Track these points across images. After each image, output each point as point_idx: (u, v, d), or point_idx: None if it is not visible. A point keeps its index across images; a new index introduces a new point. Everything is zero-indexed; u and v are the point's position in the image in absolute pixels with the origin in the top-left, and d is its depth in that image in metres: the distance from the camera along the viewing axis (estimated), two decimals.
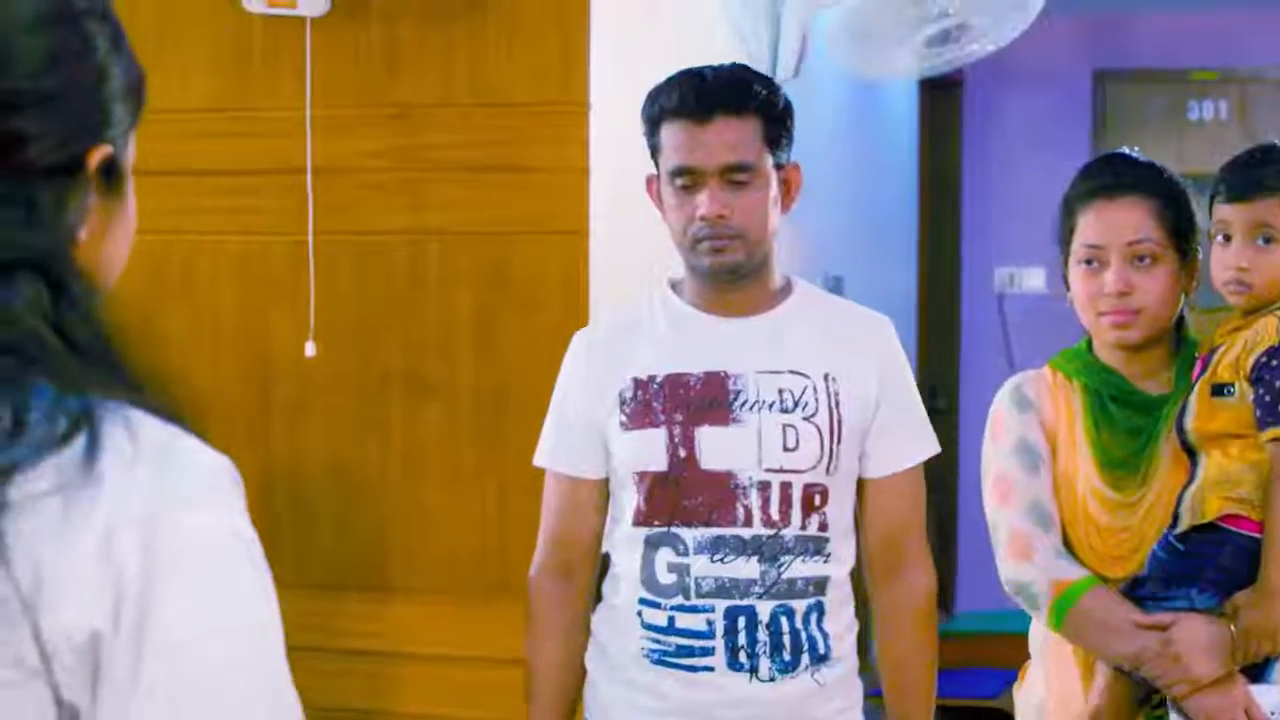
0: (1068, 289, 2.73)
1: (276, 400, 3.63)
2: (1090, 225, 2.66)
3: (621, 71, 3.52)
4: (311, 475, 3.61)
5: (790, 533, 2.63)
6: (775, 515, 2.62)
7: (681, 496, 2.64)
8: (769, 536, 2.62)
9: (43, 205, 1.14)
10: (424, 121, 3.56)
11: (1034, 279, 7.17)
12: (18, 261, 1.11)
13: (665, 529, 2.64)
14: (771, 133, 2.66)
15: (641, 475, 2.66)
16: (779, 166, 2.68)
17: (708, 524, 2.62)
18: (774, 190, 2.67)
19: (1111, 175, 2.70)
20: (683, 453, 2.64)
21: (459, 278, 3.55)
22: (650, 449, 2.65)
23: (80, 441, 1.07)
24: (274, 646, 1.14)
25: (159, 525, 1.08)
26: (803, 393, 2.66)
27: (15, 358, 1.08)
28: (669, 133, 2.65)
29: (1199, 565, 2.52)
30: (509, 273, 3.51)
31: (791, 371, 2.67)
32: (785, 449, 2.63)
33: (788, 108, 2.71)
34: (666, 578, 2.65)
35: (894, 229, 6.72)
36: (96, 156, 1.19)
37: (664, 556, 2.65)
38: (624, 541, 2.71)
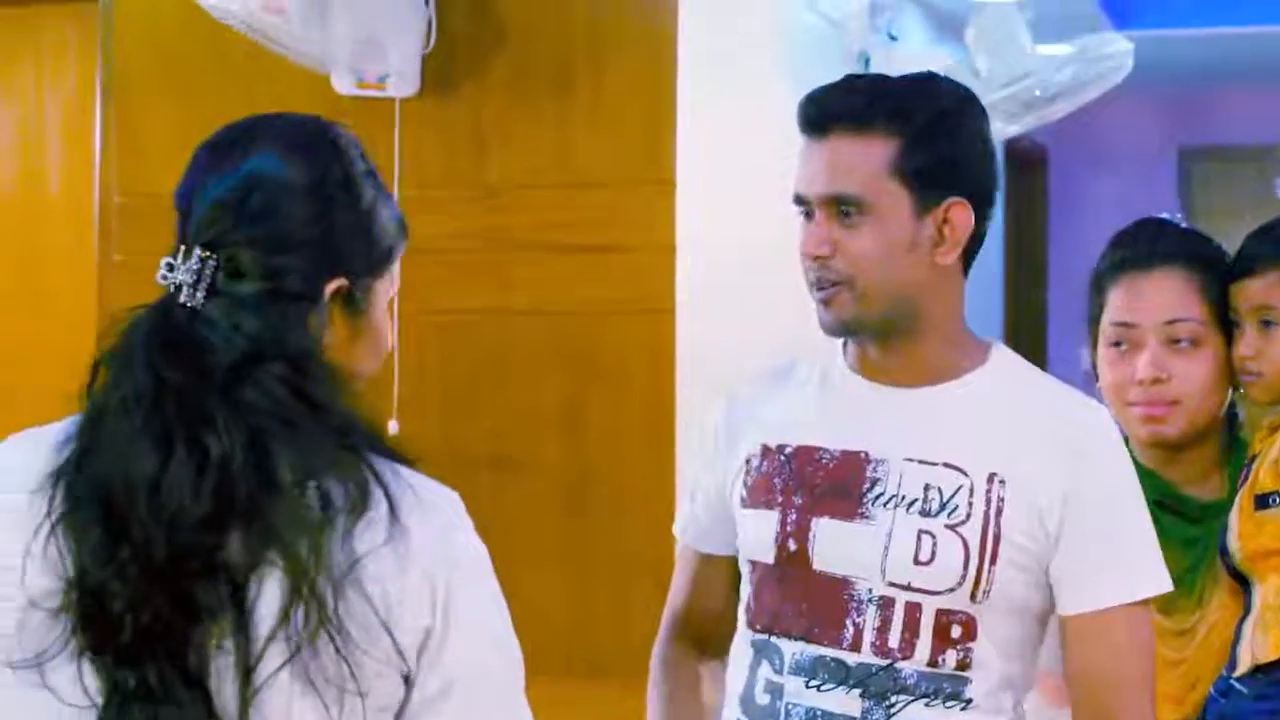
0: (1096, 377, 2.38)
1: None
2: (1121, 301, 2.32)
3: (708, 149, 3.52)
4: None
5: (911, 667, 2.03)
6: (894, 642, 2.04)
7: (784, 599, 2.09)
8: (880, 668, 2.04)
9: (291, 318, 1.54)
10: (511, 201, 3.58)
11: None
12: (272, 355, 1.51)
13: (767, 637, 2.11)
14: (913, 160, 2.03)
15: (754, 565, 2.14)
16: (930, 205, 2.05)
17: (807, 639, 2.07)
18: (909, 232, 2.04)
19: (1146, 244, 2.33)
20: (793, 545, 2.08)
21: (545, 357, 3.55)
22: (761, 534, 2.12)
23: (381, 502, 1.49)
24: (509, 615, 1.61)
25: (448, 546, 1.54)
26: (954, 493, 2.04)
27: (279, 422, 1.48)
28: (800, 150, 2.11)
29: (1269, 711, 2.13)
30: (596, 352, 3.51)
31: (946, 465, 2.05)
32: (917, 561, 2.03)
33: (955, 131, 2.07)
34: (762, 698, 2.11)
35: (980, 308, 6.68)
36: (330, 288, 1.57)
37: (764, 672, 2.11)
38: (738, 643, 2.18)
